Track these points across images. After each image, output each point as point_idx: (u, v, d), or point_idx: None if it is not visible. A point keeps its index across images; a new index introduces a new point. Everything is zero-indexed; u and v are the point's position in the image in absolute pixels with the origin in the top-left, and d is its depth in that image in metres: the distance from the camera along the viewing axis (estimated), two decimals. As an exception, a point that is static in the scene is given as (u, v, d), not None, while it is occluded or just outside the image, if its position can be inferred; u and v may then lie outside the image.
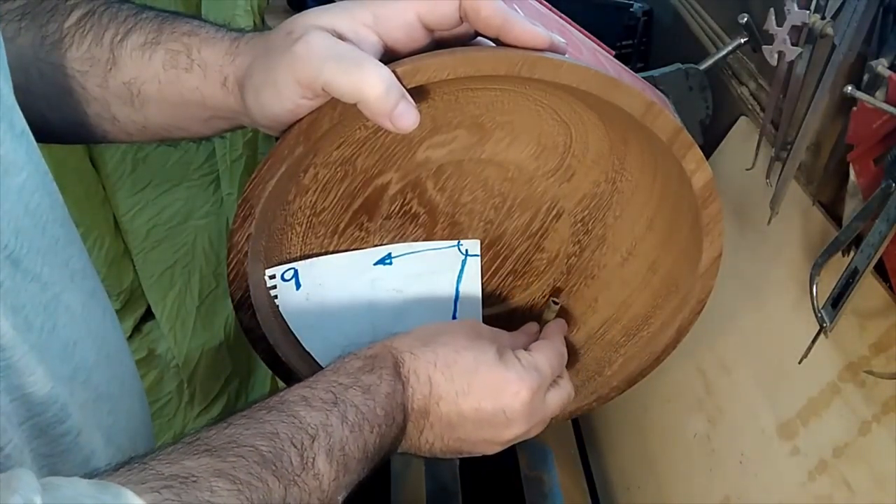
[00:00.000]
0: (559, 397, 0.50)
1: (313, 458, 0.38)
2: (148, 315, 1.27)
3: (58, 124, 0.47)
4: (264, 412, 0.39)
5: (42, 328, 0.35)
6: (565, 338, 0.59)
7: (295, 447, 0.38)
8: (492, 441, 0.48)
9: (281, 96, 0.42)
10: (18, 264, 0.34)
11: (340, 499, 0.40)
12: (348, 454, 0.40)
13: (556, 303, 0.58)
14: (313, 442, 0.39)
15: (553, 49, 0.43)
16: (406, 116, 0.40)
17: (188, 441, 0.36)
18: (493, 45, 0.44)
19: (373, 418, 0.42)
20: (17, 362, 0.33)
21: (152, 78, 0.45)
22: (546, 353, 0.50)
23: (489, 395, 0.46)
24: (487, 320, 0.57)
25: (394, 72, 0.40)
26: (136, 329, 1.26)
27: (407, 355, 0.46)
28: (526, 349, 0.50)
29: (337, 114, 0.42)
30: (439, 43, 0.44)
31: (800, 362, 0.53)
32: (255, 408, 0.40)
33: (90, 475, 0.32)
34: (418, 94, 0.43)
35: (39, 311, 0.35)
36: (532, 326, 0.57)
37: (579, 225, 0.57)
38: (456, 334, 0.48)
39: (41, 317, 0.35)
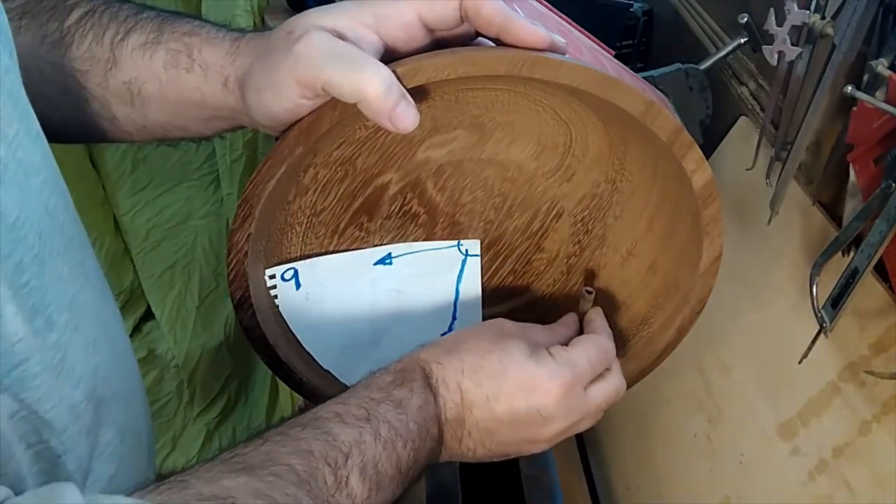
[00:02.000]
0: (604, 390, 0.48)
1: (346, 477, 0.38)
2: (148, 315, 1.26)
3: (57, 124, 0.47)
4: (298, 429, 0.39)
5: (66, 326, 0.35)
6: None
7: (329, 465, 0.37)
8: (534, 440, 0.47)
9: (281, 96, 0.42)
10: (45, 263, 0.34)
11: None
12: (381, 472, 0.40)
13: (589, 292, 0.55)
14: (347, 460, 0.38)
15: (553, 49, 0.43)
16: (406, 116, 0.40)
17: (226, 458, 0.36)
18: (494, 45, 0.44)
19: (406, 433, 0.41)
20: (26, 371, 0.33)
21: (153, 77, 0.45)
22: (584, 348, 0.48)
23: (520, 395, 0.45)
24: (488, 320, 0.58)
25: (394, 72, 0.40)
26: (136, 329, 1.26)
27: (434, 365, 0.45)
28: (565, 345, 0.49)
29: (337, 114, 0.42)
30: (440, 43, 0.44)
31: (800, 362, 0.53)
32: (290, 424, 0.40)
33: (129, 493, 0.32)
34: (418, 94, 0.43)
35: (64, 310, 0.35)
36: (570, 318, 0.55)
37: (579, 225, 0.57)
38: (480, 338, 0.47)
39: (65, 315, 0.35)
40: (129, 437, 0.42)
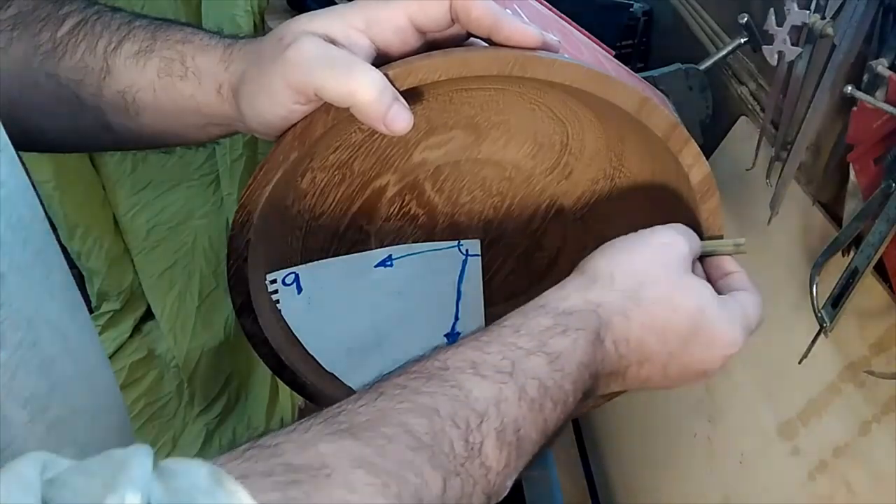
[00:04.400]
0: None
1: (480, 443, 0.32)
2: (148, 315, 1.27)
3: (53, 133, 0.47)
4: (423, 381, 0.33)
5: (21, 344, 0.33)
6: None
7: (458, 428, 0.31)
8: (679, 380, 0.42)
9: (274, 102, 0.41)
10: (2, 280, 0.33)
11: (508, 485, 0.34)
12: (523, 437, 0.33)
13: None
14: (482, 423, 0.32)
15: (546, 47, 0.43)
16: (400, 119, 0.40)
17: (331, 414, 0.31)
18: (486, 45, 0.44)
19: (558, 394, 0.35)
20: None
21: (147, 86, 0.45)
22: (751, 299, 0.44)
23: (706, 351, 0.40)
24: (490, 320, 0.57)
25: (386, 74, 0.40)
26: (136, 329, 1.26)
27: (617, 318, 0.38)
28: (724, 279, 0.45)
29: (330, 118, 0.42)
30: (432, 45, 0.44)
31: (800, 362, 0.53)
32: (412, 372, 0.33)
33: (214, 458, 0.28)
34: (412, 96, 0.42)
35: (21, 326, 0.34)
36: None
37: (579, 222, 0.57)
38: (662, 283, 0.40)
39: (21, 332, 0.34)
40: (93, 455, 0.40)
